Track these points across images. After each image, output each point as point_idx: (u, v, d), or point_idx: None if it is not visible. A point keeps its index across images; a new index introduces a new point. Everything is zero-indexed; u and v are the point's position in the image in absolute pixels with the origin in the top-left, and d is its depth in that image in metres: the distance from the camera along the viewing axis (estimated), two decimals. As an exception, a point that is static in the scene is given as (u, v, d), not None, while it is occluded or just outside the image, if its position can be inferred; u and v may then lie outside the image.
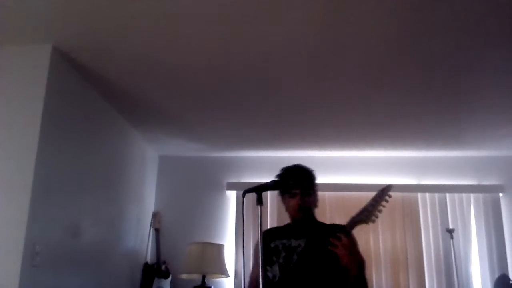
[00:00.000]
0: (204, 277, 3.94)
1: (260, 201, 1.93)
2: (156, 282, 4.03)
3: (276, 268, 2.16)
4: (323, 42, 2.59)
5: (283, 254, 2.18)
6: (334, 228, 2.08)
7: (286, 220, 2.32)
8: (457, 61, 2.78)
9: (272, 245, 2.24)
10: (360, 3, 2.22)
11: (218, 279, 4.17)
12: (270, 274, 2.17)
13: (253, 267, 2.35)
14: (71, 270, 2.93)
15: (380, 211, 1.97)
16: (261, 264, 1.87)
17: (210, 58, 2.81)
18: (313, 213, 2.28)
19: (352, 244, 1.96)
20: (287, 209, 2.28)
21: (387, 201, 1.99)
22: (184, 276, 4.03)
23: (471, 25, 2.39)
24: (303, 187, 2.22)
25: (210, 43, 2.62)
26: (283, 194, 2.28)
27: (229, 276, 4.09)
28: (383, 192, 2.01)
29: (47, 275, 2.61)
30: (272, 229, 2.43)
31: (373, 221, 1.96)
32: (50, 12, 2.35)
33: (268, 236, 2.29)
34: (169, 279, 4.14)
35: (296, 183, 2.22)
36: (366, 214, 1.97)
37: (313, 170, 2.30)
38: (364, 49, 2.66)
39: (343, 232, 1.97)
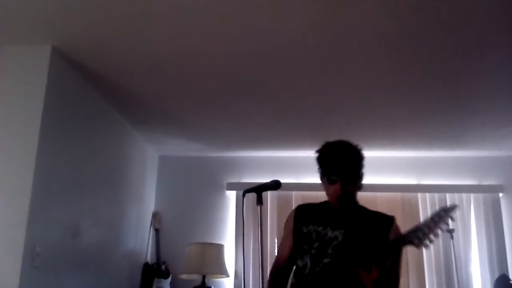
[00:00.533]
0: (204, 277, 3.94)
1: (260, 201, 1.93)
2: (156, 283, 4.03)
3: (307, 259, 1.92)
4: (323, 42, 2.59)
5: (316, 244, 1.92)
6: (379, 219, 1.91)
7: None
8: (457, 61, 2.78)
9: (305, 229, 1.97)
10: (360, 3, 2.22)
11: (218, 279, 4.17)
12: (300, 263, 1.95)
13: (280, 246, 2.13)
14: (71, 270, 2.92)
15: (437, 235, 1.61)
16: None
17: (210, 58, 2.80)
18: (355, 200, 1.97)
19: (382, 278, 1.65)
20: (326, 193, 1.97)
21: (447, 224, 1.64)
22: (184, 276, 4.03)
23: (471, 26, 2.39)
24: (345, 174, 1.88)
25: (210, 43, 2.62)
26: (322, 176, 1.96)
27: (229, 276, 4.08)
28: (446, 212, 1.67)
29: (47, 276, 2.61)
30: (307, 206, 2.07)
31: (426, 246, 1.60)
32: (50, 12, 2.35)
33: (302, 216, 2.02)
34: (169, 279, 4.13)
35: (336, 168, 1.89)
36: (419, 236, 1.60)
37: (360, 150, 1.96)
38: (364, 49, 2.66)
39: (387, 226, 1.85)
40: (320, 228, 1.94)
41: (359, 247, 1.82)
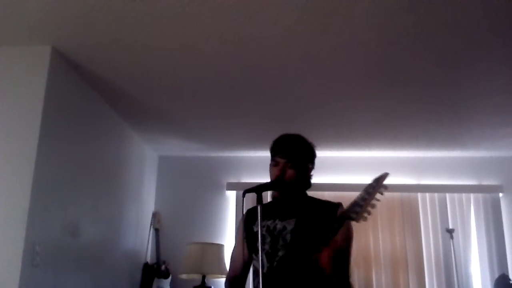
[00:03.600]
0: (204, 277, 3.94)
1: (260, 201, 1.92)
2: (156, 282, 4.03)
3: (262, 257, 1.88)
4: (323, 42, 2.59)
5: (268, 239, 1.90)
6: (327, 206, 1.92)
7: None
8: (457, 61, 2.78)
9: (255, 228, 1.93)
10: (360, 3, 2.22)
11: (218, 279, 4.17)
12: (256, 264, 1.90)
13: (233, 255, 2.11)
14: (71, 270, 2.93)
15: (373, 206, 1.57)
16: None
17: (208, 59, 2.80)
18: (298, 187, 1.99)
19: (336, 252, 1.65)
20: (270, 179, 2.01)
21: (382, 194, 1.60)
22: (184, 276, 4.03)
23: (471, 26, 2.39)
24: (286, 155, 1.95)
25: (209, 43, 2.62)
26: (270, 163, 2.03)
27: (229, 276, 4.08)
28: (378, 182, 1.63)
29: (47, 275, 2.61)
30: (256, 207, 1.99)
31: (365, 219, 1.57)
32: (49, 12, 2.34)
33: (251, 217, 1.99)
34: (169, 279, 4.14)
35: (280, 149, 1.99)
36: (356, 210, 1.57)
37: (310, 143, 2.07)
38: (364, 49, 2.66)
39: (334, 212, 1.82)
40: (269, 222, 1.94)
41: (308, 233, 1.80)
